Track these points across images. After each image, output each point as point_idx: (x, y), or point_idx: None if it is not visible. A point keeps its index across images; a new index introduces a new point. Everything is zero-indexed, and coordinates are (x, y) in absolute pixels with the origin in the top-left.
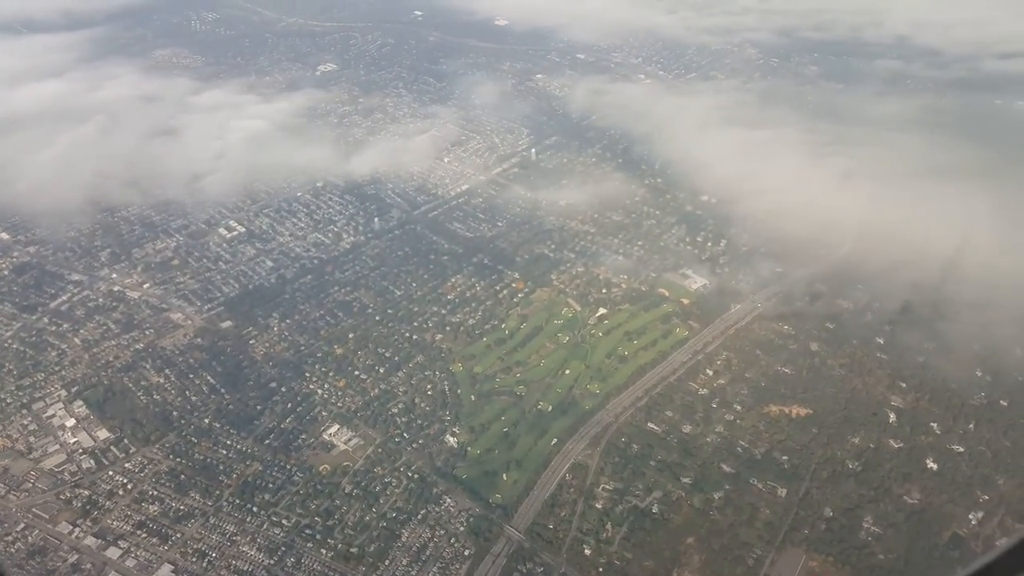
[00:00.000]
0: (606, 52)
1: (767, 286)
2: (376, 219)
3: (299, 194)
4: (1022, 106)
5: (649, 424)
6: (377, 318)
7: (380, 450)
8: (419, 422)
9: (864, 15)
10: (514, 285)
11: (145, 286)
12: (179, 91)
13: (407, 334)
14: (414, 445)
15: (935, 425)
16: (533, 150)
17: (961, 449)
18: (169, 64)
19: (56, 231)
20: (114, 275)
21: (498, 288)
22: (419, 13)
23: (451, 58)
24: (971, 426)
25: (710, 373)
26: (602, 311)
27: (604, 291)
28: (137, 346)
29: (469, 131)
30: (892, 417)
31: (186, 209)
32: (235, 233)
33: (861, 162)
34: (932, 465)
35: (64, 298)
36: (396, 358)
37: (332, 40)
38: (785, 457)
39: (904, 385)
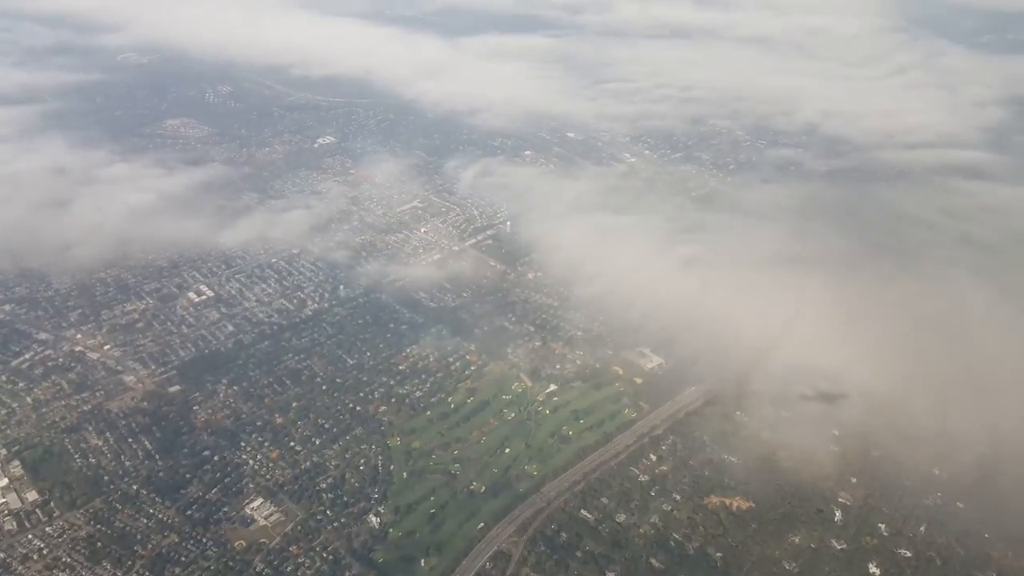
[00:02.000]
0: (514, 136)
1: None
2: (342, 286)
3: (274, 260)
4: (903, 196)
5: (582, 511)
6: (324, 387)
7: (299, 528)
8: (345, 499)
9: (778, 103)
10: (468, 357)
11: (106, 347)
12: (91, 164)
13: (351, 404)
14: (335, 524)
15: (883, 526)
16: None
17: (908, 554)
18: (149, 138)
19: (35, 290)
20: (79, 335)
21: (451, 360)
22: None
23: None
24: (922, 529)
25: (653, 458)
26: (552, 387)
27: (558, 367)
28: (85, 407)
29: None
30: (838, 515)
31: (161, 272)
32: (204, 297)
33: (710, 249)
34: (875, 571)
35: (27, 356)
36: (335, 429)
37: (335, 114)
38: (719, 554)
39: (855, 480)
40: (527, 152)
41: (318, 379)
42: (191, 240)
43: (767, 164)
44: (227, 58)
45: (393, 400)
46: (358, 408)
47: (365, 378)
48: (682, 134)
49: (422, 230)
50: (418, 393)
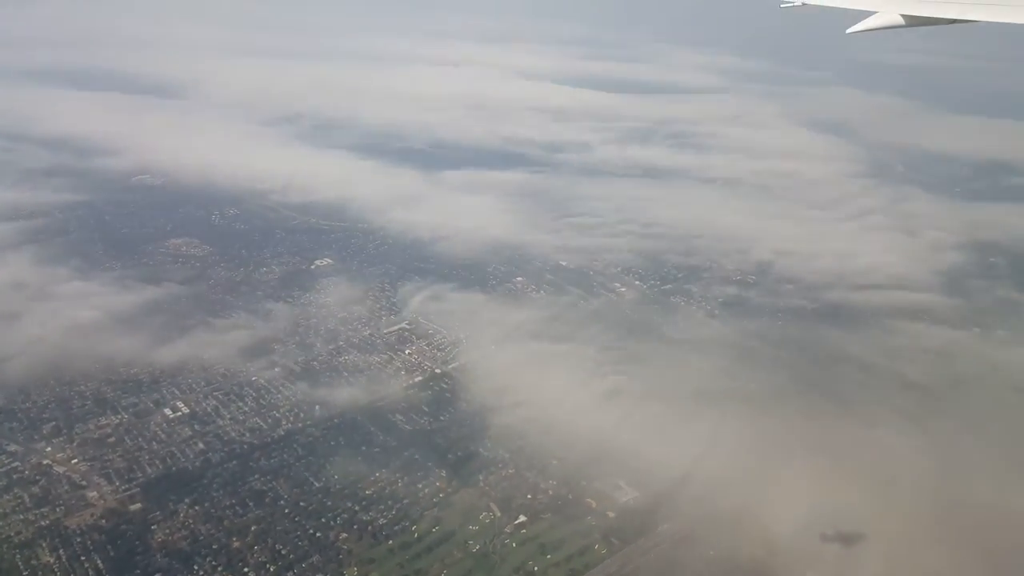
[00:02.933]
0: (470, 265)
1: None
2: (317, 407)
3: (254, 378)
4: (845, 335)
5: None
6: (287, 511)
7: None
8: None
9: (734, 242)
10: (438, 484)
11: (73, 461)
12: (49, 281)
13: (311, 530)
14: None
15: None
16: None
17: None
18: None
19: (12, 400)
20: (49, 448)
21: (420, 486)
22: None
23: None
24: None
25: None
26: (522, 518)
27: (530, 496)
28: (43, 522)
29: None
30: None
31: (141, 387)
32: (179, 414)
33: (637, 381)
34: None
35: None
36: (291, 556)
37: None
38: None
39: None
40: (518, 278)
41: (281, 502)
42: (175, 356)
43: (712, 300)
44: (233, 183)
45: (355, 527)
46: (318, 534)
47: (329, 503)
48: (635, 267)
49: (407, 352)
50: (382, 520)
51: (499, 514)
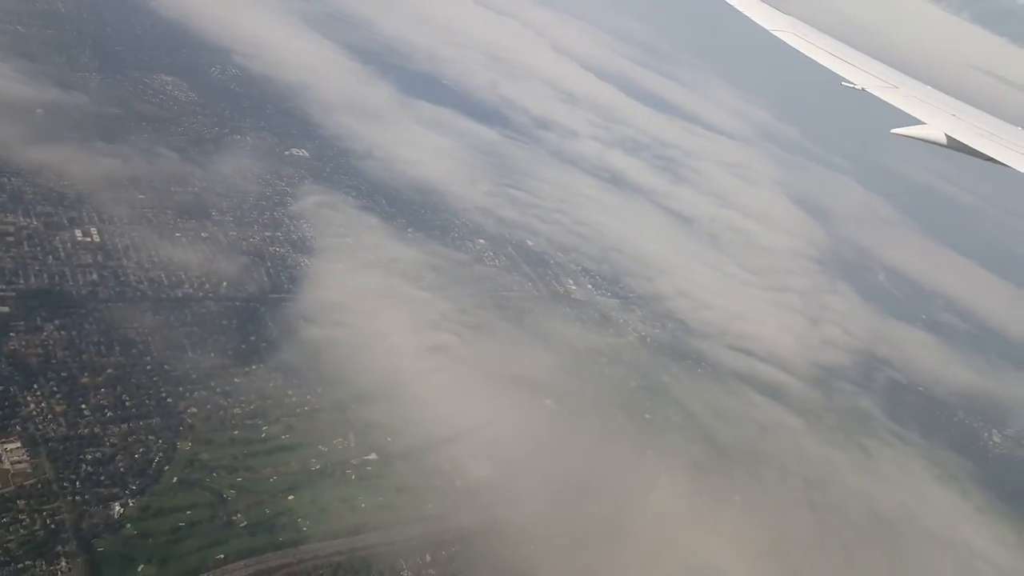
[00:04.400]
0: (385, 189)
1: None
2: (225, 283)
3: (178, 234)
4: (681, 376)
5: None
6: (149, 368)
7: (40, 486)
8: (101, 478)
9: (647, 267)
10: (309, 397)
11: None
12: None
13: (163, 394)
14: (76, 498)
15: None
16: None
17: None
18: None
19: None
20: None
21: (290, 392)
22: None
23: None
24: None
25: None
26: (374, 456)
27: (389, 439)
28: None
29: None
30: None
31: (64, 199)
32: (88, 240)
33: (467, 347)
34: None
35: None
36: (133, 410)
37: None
38: None
39: None
40: (423, 219)
41: (148, 358)
42: (110, 184)
43: (591, 306)
44: (232, 40)
45: (208, 407)
46: (168, 400)
47: (194, 375)
48: (572, 263)
49: (272, 248)
50: (236, 410)
51: (353, 444)
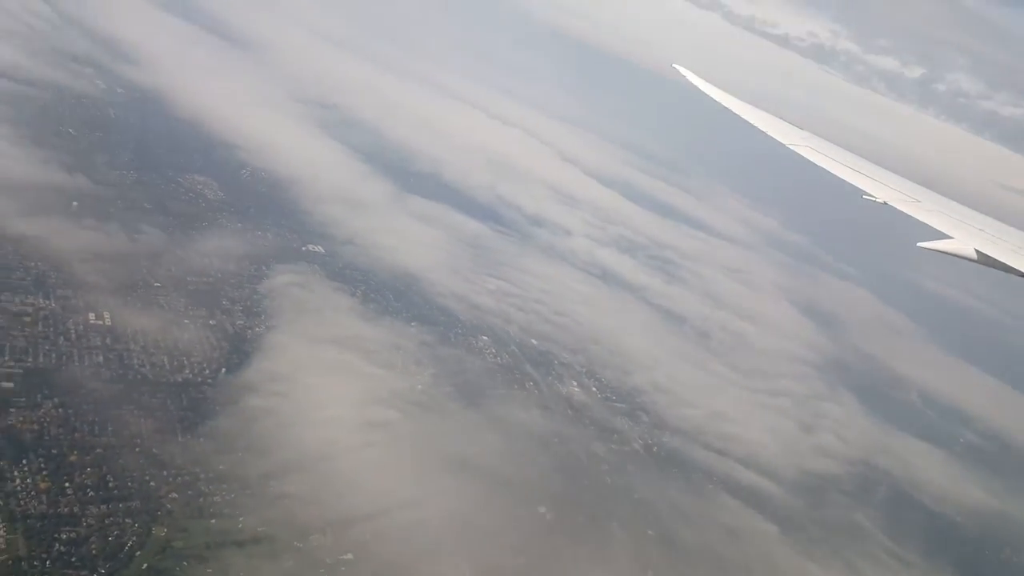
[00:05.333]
0: (360, 274)
1: None
2: (223, 370)
3: (186, 320)
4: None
5: None
6: (137, 450)
7: (10, 564)
8: (72, 559)
9: (625, 360)
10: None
11: None
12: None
13: (147, 477)
14: None
15: None
16: None
17: None
18: None
19: None
20: None
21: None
22: None
23: None
24: None
25: None
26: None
27: None
28: None
29: None
30: None
31: (84, 284)
32: (100, 323)
33: (411, 425)
34: None
35: None
36: (116, 492)
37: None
38: None
39: None
40: (394, 302)
41: (138, 440)
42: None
43: (557, 394)
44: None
45: (190, 493)
46: (151, 483)
47: (179, 461)
48: (543, 353)
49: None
50: (216, 499)
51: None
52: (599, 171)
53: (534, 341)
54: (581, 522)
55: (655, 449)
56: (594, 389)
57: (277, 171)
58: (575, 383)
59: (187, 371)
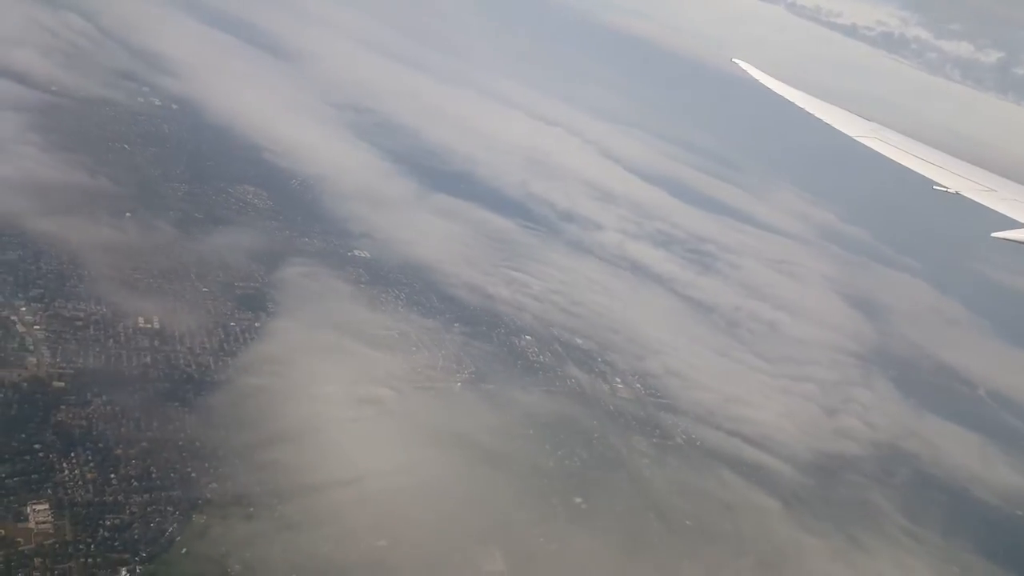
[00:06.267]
0: (371, 265)
1: None
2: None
3: (232, 323)
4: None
5: None
6: (180, 443)
7: (57, 547)
8: (116, 544)
9: (641, 347)
10: None
11: (35, 327)
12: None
13: (190, 469)
14: (89, 560)
15: None
16: None
17: None
18: None
19: (23, 258)
20: (24, 308)
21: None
22: None
23: None
24: None
25: None
26: None
27: None
28: None
29: None
30: None
31: (135, 289)
32: (149, 326)
33: (406, 403)
34: None
35: None
36: (159, 482)
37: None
38: None
39: None
40: (404, 292)
41: (182, 434)
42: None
43: (559, 375)
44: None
45: (230, 484)
46: (193, 475)
47: (222, 452)
48: (554, 339)
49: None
50: (258, 489)
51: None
52: (644, 169)
53: (546, 329)
54: (560, 489)
55: (657, 427)
56: (603, 374)
57: (322, 177)
58: (584, 368)
59: (230, 370)
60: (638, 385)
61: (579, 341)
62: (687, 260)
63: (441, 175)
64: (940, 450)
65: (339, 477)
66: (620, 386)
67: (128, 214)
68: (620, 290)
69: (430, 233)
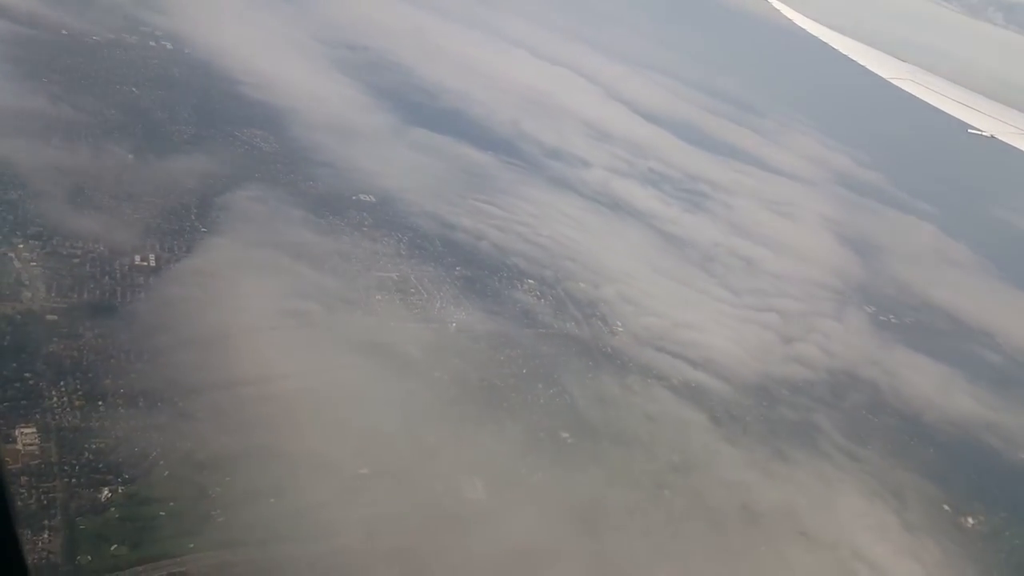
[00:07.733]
0: (327, 193)
1: None
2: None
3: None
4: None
5: None
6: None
7: (42, 467)
8: (100, 467)
9: (598, 275)
10: None
11: (32, 264)
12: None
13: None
14: (72, 480)
15: None
16: None
17: None
18: None
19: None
20: (21, 245)
21: None
22: None
23: None
24: None
25: None
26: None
27: None
28: None
29: None
30: None
31: (149, 231)
32: (146, 264)
33: (329, 315)
34: None
35: None
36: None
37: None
38: None
39: None
40: (361, 216)
41: (171, 367)
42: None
43: (507, 299)
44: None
45: (213, 410)
46: (180, 403)
47: (210, 381)
48: (509, 267)
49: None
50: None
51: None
52: (652, 110)
53: (504, 258)
54: (472, 400)
55: (598, 350)
56: (552, 299)
57: (293, 110)
58: (534, 294)
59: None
60: (588, 310)
61: (535, 269)
62: (675, 199)
63: (427, 111)
64: (900, 379)
65: (243, 377)
66: (571, 311)
67: (130, 156)
68: (593, 224)
69: (398, 165)
